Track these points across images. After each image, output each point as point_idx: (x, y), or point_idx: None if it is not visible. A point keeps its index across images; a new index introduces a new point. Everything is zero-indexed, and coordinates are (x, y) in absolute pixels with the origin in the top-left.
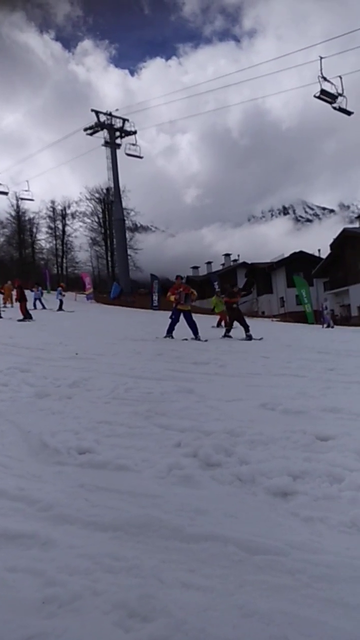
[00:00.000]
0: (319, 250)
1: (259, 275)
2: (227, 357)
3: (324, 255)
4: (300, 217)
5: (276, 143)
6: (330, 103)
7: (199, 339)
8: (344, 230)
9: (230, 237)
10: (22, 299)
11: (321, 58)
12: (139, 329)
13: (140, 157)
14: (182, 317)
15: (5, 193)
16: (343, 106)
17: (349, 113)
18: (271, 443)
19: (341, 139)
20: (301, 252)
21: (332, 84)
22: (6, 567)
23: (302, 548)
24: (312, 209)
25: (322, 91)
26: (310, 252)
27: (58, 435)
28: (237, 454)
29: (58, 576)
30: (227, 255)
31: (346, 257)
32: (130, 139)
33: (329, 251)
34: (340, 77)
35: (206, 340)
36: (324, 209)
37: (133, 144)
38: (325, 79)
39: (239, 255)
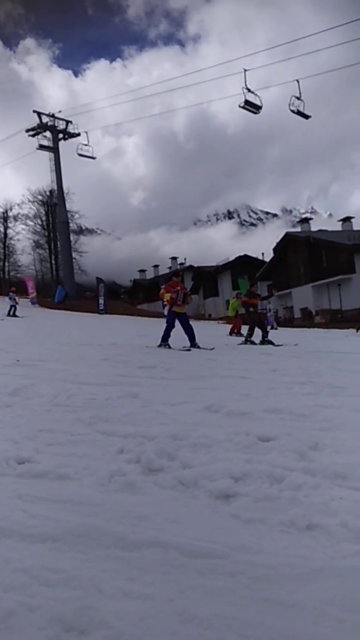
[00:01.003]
0: (263, 254)
1: (206, 279)
2: (173, 360)
3: (267, 259)
4: (245, 221)
5: (221, 148)
6: (254, 113)
7: (199, 347)
8: (287, 234)
9: (177, 241)
10: None
11: (245, 70)
12: (84, 333)
13: (93, 158)
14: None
15: None
16: (301, 109)
17: (306, 117)
18: (214, 445)
19: (284, 145)
20: (245, 256)
21: (256, 95)
22: None
23: (242, 550)
24: (256, 213)
25: (246, 102)
26: (254, 255)
27: None
28: (180, 458)
29: None
30: (174, 258)
31: (289, 260)
32: (81, 139)
33: (272, 255)
34: (298, 81)
35: (212, 349)
36: (267, 213)
37: (85, 144)
38: (249, 90)
39: (185, 259)
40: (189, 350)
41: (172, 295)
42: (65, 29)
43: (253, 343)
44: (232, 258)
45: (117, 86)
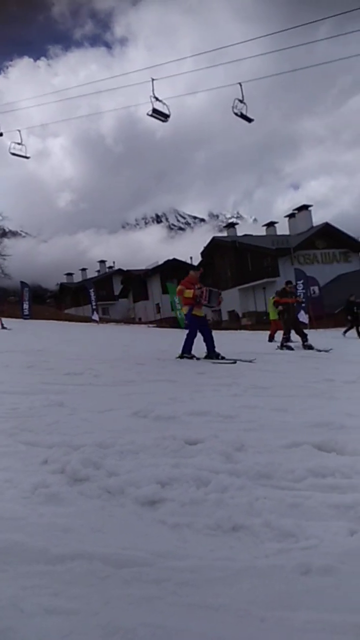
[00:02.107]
0: (191, 258)
1: (135, 282)
2: (102, 366)
3: (195, 262)
4: (173, 225)
5: (150, 152)
6: (163, 121)
7: (224, 359)
8: (214, 239)
9: (105, 243)
10: None
11: (153, 80)
12: (8, 340)
13: (27, 157)
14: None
15: None
16: (244, 112)
17: (249, 120)
18: (141, 451)
19: (211, 151)
20: (174, 260)
21: (164, 103)
22: None
23: (168, 556)
24: (184, 217)
25: (154, 110)
26: (182, 259)
27: None
28: (106, 466)
29: None
30: (103, 261)
31: (216, 264)
32: (14, 137)
33: (200, 259)
34: (240, 84)
35: (251, 361)
36: (195, 217)
37: (18, 143)
38: (157, 98)
39: (114, 262)
40: (233, 362)
41: (195, 292)
42: None
43: (290, 348)
44: (161, 262)
45: (42, 85)
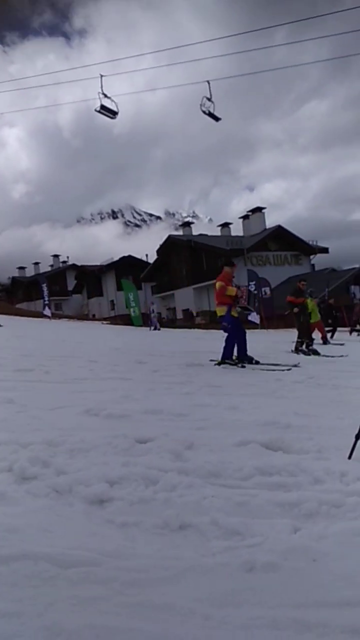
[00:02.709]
0: (147, 255)
1: (89, 278)
2: (53, 362)
3: (151, 260)
4: (129, 221)
5: (107, 147)
6: (111, 118)
7: (258, 362)
8: (169, 237)
9: (60, 237)
10: None
11: (102, 76)
12: None
13: None
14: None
15: None
16: (212, 111)
17: (217, 119)
18: (92, 450)
19: (168, 149)
20: (130, 257)
21: (112, 100)
22: None
23: (116, 555)
24: (140, 214)
25: (102, 106)
26: (138, 256)
27: None
28: (55, 464)
29: None
30: (56, 256)
31: (171, 263)
32: None
33: (156, 256)
34: (209, 82)
35: (295, 366)
36: (151, 215)
37: None
38: (105, 95)
39: (68, 257)
40: (290, 369)
41: (237, 291)
42: None
43: (315, 353)
44: (116, 258)
45: None
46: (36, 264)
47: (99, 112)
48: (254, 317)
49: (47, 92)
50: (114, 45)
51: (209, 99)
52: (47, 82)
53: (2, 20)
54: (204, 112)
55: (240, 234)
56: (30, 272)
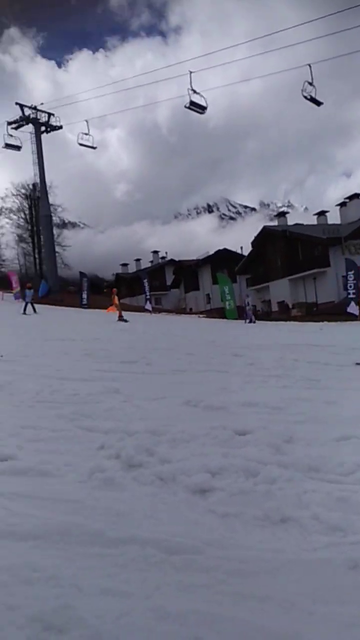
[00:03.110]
0: (242, 248)
1: (187, 273)
2: (154, 355)
3: (246, 252)
4: (224, 214)
5: (202, 141)
6: (200, 113)
7: None
8: (264, 228)
9: (159, 234)
10: None
11: (191, 72)
12: (68, 328)
13: (94, 148)
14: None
15: None
16: (314, 95)
17: (318, 103)
18: (192, 440)
19: (262, 139)
20: (225, 250)
21: (201, 96)
22: None
23: (218, 545)
24: (235, 207)
25: (192, 102)
26: (233, 249)
27: None
28: (158, 453)
29: None
30: (156, 252)
31: (266, 254)
32: (82, 128)
33: (250, 248)
34: (310, 66)
35: None
36: (245, 207)
37: (85, 134)
38: (194, 91)
39: (166, 252)
40: None
41: None
42: (48, 18)
43: None
44: (212, 252)
45: (101, 77)
46: (137, 260)
47: (188, 108)
48: (353, 309)
49: (146, 92)
50: (209, 38)
51: (310, 84)
52: (145, 82)
53: (104, 26)
54: (305, 97)
55: (338, 222)
56: (132, 268)
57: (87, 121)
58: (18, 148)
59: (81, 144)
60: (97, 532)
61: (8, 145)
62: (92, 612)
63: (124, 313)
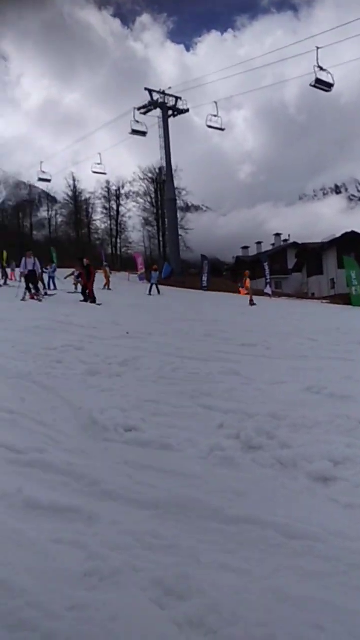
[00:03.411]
0: None
1: (310, 256)
2: (274, 339)
3: None
4: (353, 196)
5: (332, 119)
6: (326, 91)
7: None
8: None
9: (283, 216)
10: (90, 279)
11: (318, 48)
12: (188, 309)
13: (222, 129)
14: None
15: (48, 180)
16: None
17: None
18: (314, 427)
19: None
20: (353, 232)
21: (328, 73)
22: (52, 539)
23: (340, 535)
24: None
25: (317, 80)
26: None
27: (107, 412)
28: (279, 437)
29: (100, 551)
30: (278, 235)
31: None
32: (211, 110)
33: None
34: None
35: None
36: None
37: (214, 116)
38: (321, 68)
39: (289, 235)
40: None
41: None
42: (180, 2)
43: None
44: (338, 235)
45: (229, 58)
46: (259, 243)
47: (314, 86)
48: None
49: (274, 70)
50: (344, 9)
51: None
52: (274, 60)
53: (234, 6)
54: None
55: None
56: (253, 251)
57: (216, 103)
58: (144, 134)
59: (210, 126)
60: (216, 508)
61: (135, 132)
62: (210, 584)
63: (254, 297)
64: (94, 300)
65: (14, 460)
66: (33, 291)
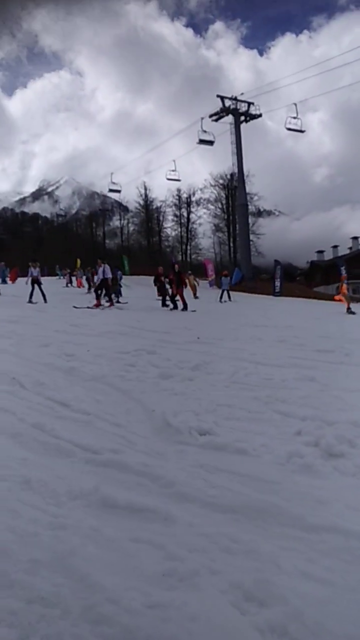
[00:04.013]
0: None
1: None
2: (354, 345)
3: None
4: None
5: None
6: None
7: None
8: None
9: None
10: (180, 285)
11: None
12: (260, 315)
13: (302, 131)
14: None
15: (118, 191)
16: None
17: None
18: None
19: None
20: None
21: None
22: (129, 538)
23: None
24: None
25: None
26: None
27: (180, 415)
28: None
29: (178, 551)
30: (355, 238)
31: None
32: (290, 112)
33: None
34: None
35: None
36: None
37: (294, 117)
38: None
39: None
40: None
41: None
42: (252, 6)
43: None
44: None
45: (304, 60)
46: (335, 247)
47: None
48: None
49: (352, 69)
50: None
51: None
52: (352, 59)
53: (309, 6)
54: None
55: None
56: (328, 255)
57: (295, 104)
58: (211, 143)
59: (289, 129)
60: (296, 515)
61: (202, 141)
62: (292, 592)
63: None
64: (185, 307)
65: (90, 460)
66: (106, 299)
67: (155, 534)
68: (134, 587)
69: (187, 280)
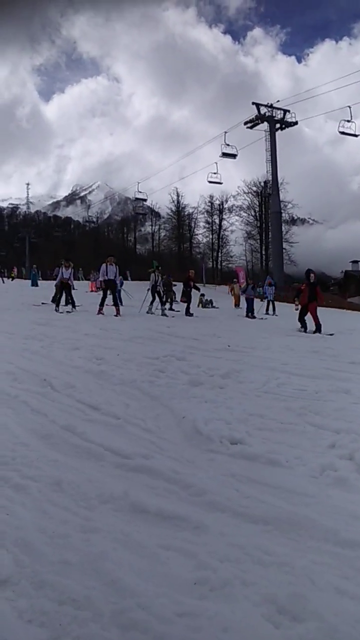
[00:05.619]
0: None
1: None
2: None
3: None
4: None
5: None
6: None
7: None
8: None
9: None
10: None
11: None
12: (291, 324)
13: (356, 135)
14: None
15: (144, 200)
16: None
17: None
18: None
19: None
20: None
21: None
22: (160, 545)
23: None
24: None
25: None
26: None
27: (211, 423)
28: None
29: (209, 561)
30: None
31: None
32: (343, 115)
33: None
34: None
35: None
36: None
37: (348, 121)
38: None
39: None
40: None
41: None
42: (292, 13)
43: None
44: None
45: (343, 67)
46: None
47: None
48: None
49: None
50: None
51: None
52: None
53: (350, 12)
54: None
55: None
56: None
57: (349, 107)
58: (234, 156)
59: (342, 132)
60: (331, 529)
61: (225, 154)
62: (327, 609)
63: None
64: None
65: (121, 465)
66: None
67: (186, 542)
68: (165, 594)
69: (229, 289)
